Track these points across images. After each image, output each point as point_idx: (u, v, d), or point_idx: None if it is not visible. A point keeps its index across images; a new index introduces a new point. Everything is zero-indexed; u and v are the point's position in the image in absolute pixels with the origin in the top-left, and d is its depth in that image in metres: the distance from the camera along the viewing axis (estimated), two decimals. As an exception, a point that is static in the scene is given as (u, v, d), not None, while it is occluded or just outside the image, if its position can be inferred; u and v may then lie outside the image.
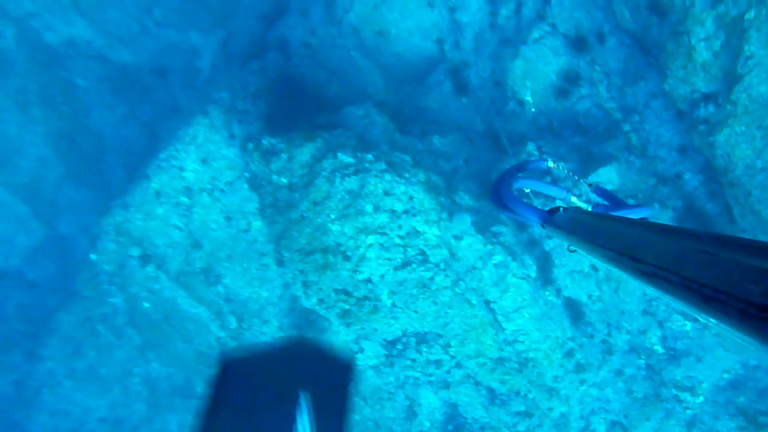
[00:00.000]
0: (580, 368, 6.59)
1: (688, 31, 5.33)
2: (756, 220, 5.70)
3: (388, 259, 6.17)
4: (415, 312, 6.36)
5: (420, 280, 6.27)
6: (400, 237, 6.18)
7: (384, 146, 6.58)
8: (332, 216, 6.08)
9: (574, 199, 3.01)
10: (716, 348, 6.46)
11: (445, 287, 6.29)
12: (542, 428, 6.70)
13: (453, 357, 6.54)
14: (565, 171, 3.33)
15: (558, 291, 6.55)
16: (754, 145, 5.33)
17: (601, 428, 6.98)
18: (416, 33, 7.51)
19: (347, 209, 6.06)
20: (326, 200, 6.07)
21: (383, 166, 6.12)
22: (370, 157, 6.15)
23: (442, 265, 6.27)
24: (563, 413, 6.71)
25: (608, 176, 6.35)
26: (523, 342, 6.45)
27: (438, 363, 6.59)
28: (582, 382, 6.64)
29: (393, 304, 6.34)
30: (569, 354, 6.54)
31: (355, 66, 7.95)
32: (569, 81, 6.69)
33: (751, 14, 4.88)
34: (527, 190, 3.05)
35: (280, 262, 6.97)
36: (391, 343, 6.62)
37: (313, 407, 1.48)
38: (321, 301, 6.45)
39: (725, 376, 6.65)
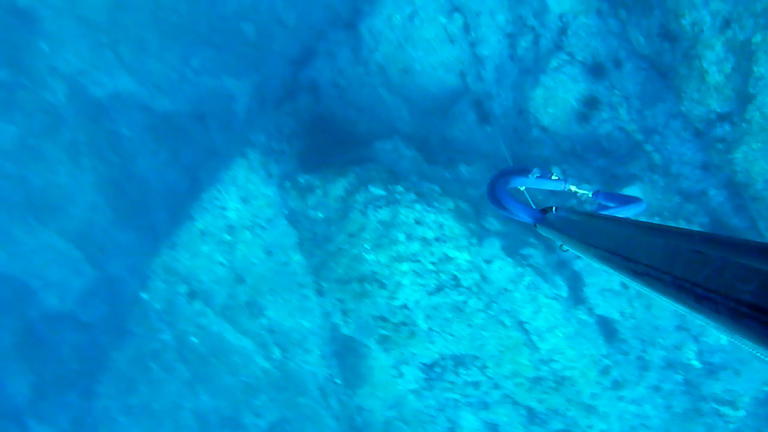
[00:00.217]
0: (617, 385, 6.77)
1: (699, 55, 5.63)
2: (782, 232, 5.88)
3: (422, 285, 6.52)
4: (451, 335, 6.67)
5: (454, 303, 6.59)
6: (433, 263, 6.53)
7: (413, 177, 6.98)
8: (367, 246, 6.49)
9: (573, 187, 2.91)
10: (753, 361, 6.57)
11: (479, 310, 6.59)
12: (583, 446, 6.86)
13: (490, 378, 6.80)
14: (573, 189, 3.03)
15: (590, 310, 6.77)
16: (771, 160, 5.55)
17: (643, 445, 7.09)
18: (439, 68, 7.96)
19: (381, 239, 6.46)
20: (361, 232, 6.48)
21: (413, 196, 6.51)
22: (400, 188, 6.55)
23: (474, 289, 6.58)
24: (603, 430, 6.86)
25: (630, 192, 6.60)
26: (558, 361, 6.67)
27: (476, 384, 6.85)
28: (620, 398, 6.80)
29: (429, 328, 6.66)
30: (605, 371, 6.73)
31: (383, 102, 8.42)
32: (589, 106, 7.02)
33: (758, 38, 5.16)
34: (522, 188, 2.93)
35: (320, 293, 7.37)
36: (429, 367, 6.92)
37: None
38: (360, 328, 6.81)
39: (765, 389, 6.73)
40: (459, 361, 6.83)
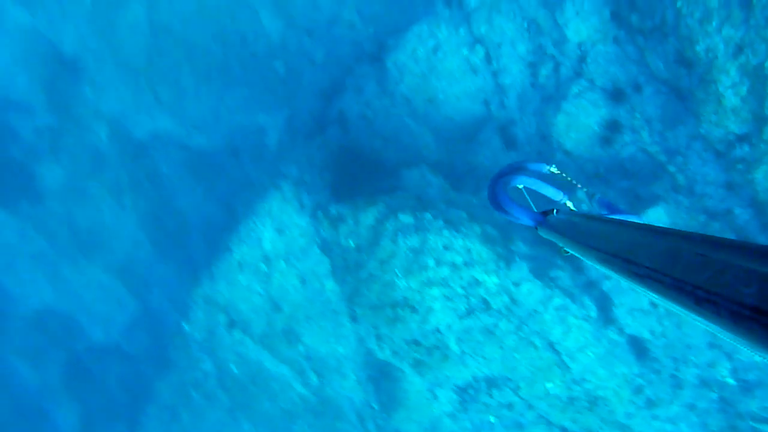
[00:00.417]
0: (651, 404, 6.88)
1: (715, 80, 5.87)
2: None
3: (453, 309, 6.79)
4: (483, 357, 6.90)
5: (485, 326, 6.84)
6: (463, 287, 6.80)
7: (441, 204, 7.30)
8: (398, 272, 6.80)
9: (569, 204, 2.93)
10: (788, 376, 6.63)
11: (510, 332, 6.82)
12: (620, 467, 6.96)
13: (524, 399, 6.99)
14: (568, 179, 3.06)
15: (620, 329, 6.93)
16: (793, 176, 5.73)
17: (682, 465, 7.15)
18: (463, 97, 8.32)
19: (411, 265, 6.77)
20: (391, 258, 6.81)
21: (441, 223, 6.83)
22: (428, 215, 6.88)
23: (504, 311, 6.82)
24: (639, 450, 6.96)
25: (657, 216, 6.80)
26: (590, 381, 6.83)
27: (510, 406, 7.05)
28: (655, 417, 6.91)
29: (462, 351, 6.91)
30: (638, 390, 6.86)
31: (409, 131, 8.81)
32: (611, 129, 7.27)
33: (769, 59, 5.39)
34: (521, 186, 2.90)
35: (354, 319, 7.70)
36: (463, 389, 7.15)
37: None
38: (394, 352, 7.10)
39: (803, 405, 6.76)
40: (492, 382, 7.04)
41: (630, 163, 7.27)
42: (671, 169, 7.01)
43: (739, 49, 5.61)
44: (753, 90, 5.66)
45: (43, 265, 11.45)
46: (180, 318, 9.59)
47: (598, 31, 6.97)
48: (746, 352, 6.80)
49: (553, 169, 3.03)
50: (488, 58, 7.92)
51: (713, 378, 7.00)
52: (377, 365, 7.83)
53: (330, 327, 8.24)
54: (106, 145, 11.27)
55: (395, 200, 7.16)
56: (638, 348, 7.02)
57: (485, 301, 6.81)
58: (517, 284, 6.87)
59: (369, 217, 7.08)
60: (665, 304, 1.30)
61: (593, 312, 6.81)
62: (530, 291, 6.83)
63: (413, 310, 6.83)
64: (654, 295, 1.34)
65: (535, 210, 2.49)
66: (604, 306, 6.97)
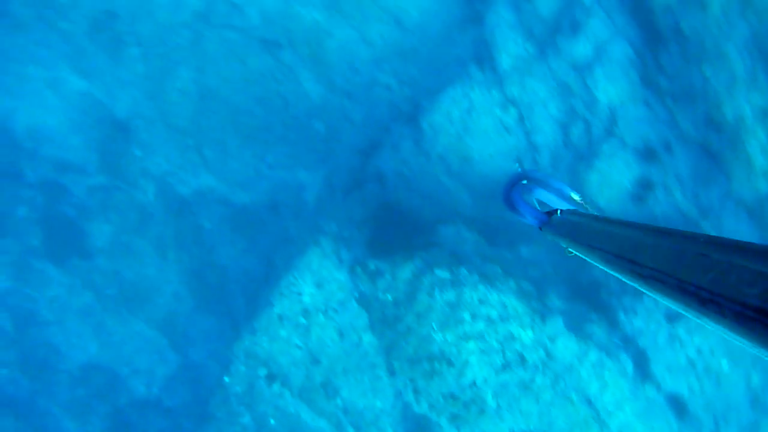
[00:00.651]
0: (692, 463, 6.93)
1: (743, 141, 6.20)
2: None
3: (489, 363, 7.05)
4: (520, 412, 7.09)
5: (521, 381, 7.06)
6: (498, 342, 7.07)
7: (476, 259, 7.66)
8: (435, 326, 7.13)
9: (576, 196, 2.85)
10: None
11: (546, 386, 7.02)
12: None
13: (561, 456, 7.11)
14: (588, 209, 2.95)
15: (657, 386, 7.07)
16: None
17: None
18: (497, 156, 8.77)
19: (447, 319, 7.10)
20: (428, 312, 7.15)
21: (476, 277, 7.17)
22: (464, 270, 7.24)
23: (540, 366, 7.04)
24: None
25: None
26: (629, 438, 6.94)
27: (547, 462, 7.17)
28: (697, 477, 6.95)
29: (498, 405, 7.12)
30: (679, 448, 6.93)
31: (445, 189, 9.25)
32: (644, 187, 7.59)
33: (794, 121, 5.72)
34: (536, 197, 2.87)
35: (392, 372, 7.98)
36: (500, 445, 7.31)
37: None
38: (431, 406, 7.34)
39: None
40: (529, 438, 7.20)
41: (663, 221, 7.54)
42: (705, 225, 7.26)
43: (766, 114, 5.95)
44: (780, 150, 5.97)
45: (89, 319, 12.05)
46: (220, 371, 9.98)
47: (628, 94, 7.39)
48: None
49: (575, 196, 3.05)
50: (521, 118, 8.39)
51: (756, 437, 7.04)
52: (414, 419, 8.05)
53: (367, 380, 8.53)
54: (153, 202, 11.98)
55: (431, 255, 7.54)
56: (677, 405, 7.12)
57: (521, 356, 7.05)
58: (552, 339, 7.11)
59: (406, 271, 7.47)
60: (669, 305, 1.34)
61: (629, 368, 6.98)
62: (566, 346, 7.06)
63: (450, 363, 7.10)
64: (658, 295, 1.38)
65: (539, 209, 2.58)
66: (641, 362, 7.13)
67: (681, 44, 6.48)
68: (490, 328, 7.03)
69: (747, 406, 7.01)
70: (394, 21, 9.81)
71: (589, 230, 1.97)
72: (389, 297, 7.60)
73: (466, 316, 7.05)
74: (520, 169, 7.97)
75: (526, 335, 7.04)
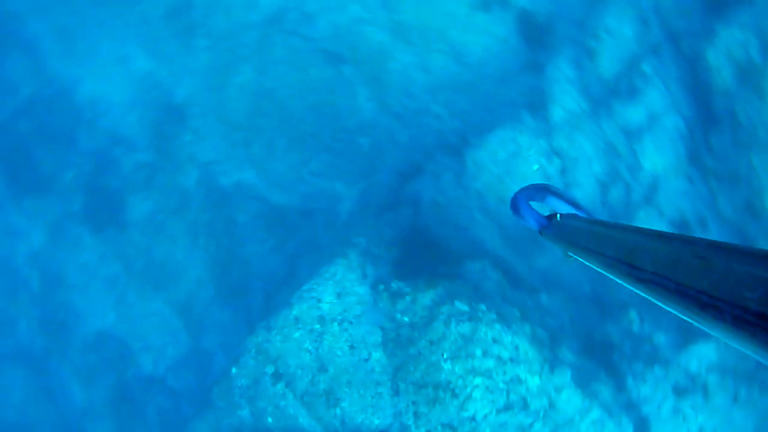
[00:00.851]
0: None
1: (778, 231, 6.38)
2: None
3: (492, 401, 7.24)
4: (514, 455, 7.25)
5: (520, 425, 7.23)
6: (505, 382, 7.27)
7: (497, 298, 7.88)
8: (445, 355, 7.35)
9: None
10: None
11: (544, 435, 7.18)
12: None
13: (547, 506, 7.24)
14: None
15: (655, 454, 7.18)
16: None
17: None
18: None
19: (459, 351, 7.32)
20: (441, 341, 7.39)
21: (494, 316, 7.39)
22: (483, 307, 7.47)
23: (541, 414, 7.21)
24: None
25: (707, 351, 7.16)
26: (617, 501, 7.05)
27: None
28: None
29: (493, 444, 7.29)
30: None
31: (477, 225, 9.51)
32: (672, 256, 7.75)
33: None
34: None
35: (396, 392, 8.21)
36: (489, 484, 7.47)
37: None
38: (428, 433, 7.54)
39: None
40: (518, 483, 7.35)
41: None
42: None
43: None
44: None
45: (113, 289, 12.51)
46: (228, 362, 10.31)
47: (673, 166, 7.60)
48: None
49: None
50: (563, 170, 8.64)
51: None
52: (409, 443, 8.24)
53: (369, 396, 8.76)
54: (193, 188, 12.46)
55: (454, 287, 7.80)
56: (671, 477, 7.21)
57: (524, 400, 7.23)
58: (558, 390, 7.28)
59: (427, 298, 7.73)
60: (669, 309, 1.34)
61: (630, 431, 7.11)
62: (570, 399, 7.22)
63: (454, 394, 7.31)
64: (657, 300, 1.39)
65: (540, 213, 2.58)
66: (641, 429, 7.25)
67: (733, 128, 6.69)
68: (499, 368, 7.23)
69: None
70: (455, 54, 10.18)
71: (588, 234, 1.98)
72: (406, 319, 7.85)
73: (478, 351, 7.26)
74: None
75: (533, 381, 7.22)
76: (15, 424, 13.09)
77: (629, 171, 7.98)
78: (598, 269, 1.77)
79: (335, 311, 9.10)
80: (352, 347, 8.95)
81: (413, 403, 7.55)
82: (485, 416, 7.24)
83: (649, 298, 1.44)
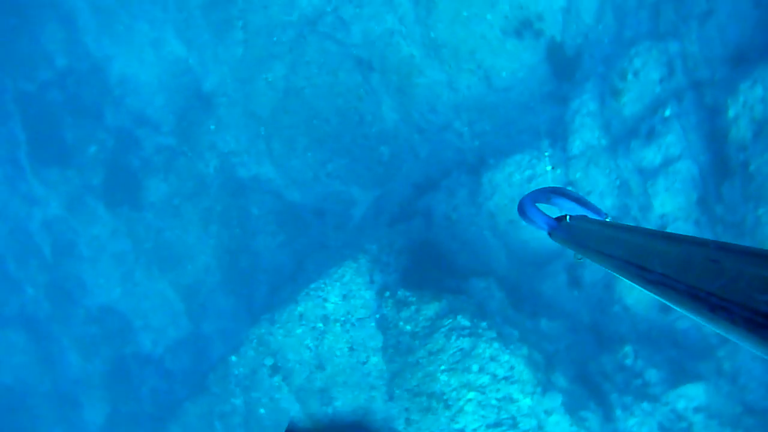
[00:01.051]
0: None
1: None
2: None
3: (483, 416, 7.55)
4: (498, 471, 7.55)
5: (507, 442, 7.53)
6: (497, 399, 7.57)
7: (498, 318, 8.20)
8: (443, 367, 7.67)
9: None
10: None
11: (529, 455, 7.48)
12: None
13: None
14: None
15: (634, 486, 7.47)
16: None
17: None
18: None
19: (456, 364, 7.63)
20: (440, 352, 7.70)
21: (494, 334, 7.70)
22: (484, 324, 7.78)
23: (529, 434, 7.51)
24: None
25: (696, 393, 7.45)
26: None
27: None
28: None
29: (479, 458, 7.59)
30: None
31: (486, 244, 9.83)
32: (673, 296, 8.05)
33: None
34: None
35: (390, 397, 8.52)
36: (470, 496, 7.77)
37: None
38: (417, 440, 7.85)
39: None
40: (499, 498, 7.64)
41: (682, 336, 8.00)
42: (720, 353, 7.69)
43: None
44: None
45: (121, 265, 12.88)
46: (226, 349, 10.63)
47: (683, 210, 7.91)
48: None
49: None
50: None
51: None
52: (398, 448, 8.55)
53: (362, 399, 9.07)
54: (212, 175, 12.82)
55: (458, 302, 8.11)
56: None
57: (514, 419, 7.53)
58: (548, 413, 7.58)
59: (431, 309, 8.05)
60: (680, 311, 1.36)
61: (613, 461, 7.40)
62: (558, 423, 7.52)
63: (447, 406, 7.62)
64: (668, 301, 1.40)
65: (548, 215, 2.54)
66: (625, 459, 7.54)
67: (745, 181, 7.00)
68: (493, 385, 7.53)
69: None
70: (484, 76, 10.52)
71: (598, 236, 1.98)
72: (408, 328, 8.17)
73: (475, 366, 7.57)
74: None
75: (525, 402, 7.52)
76: (9, 387, 13.45)
77: (639, 209, 8.29)
78: (609, 270, 1.80)
79: (339, 312, 9.43)
80: (351, 349, 9.27)
81: (406, 409, 7.86)
82: (475, 430, 7.54)
83: (661, 299, 1.45)
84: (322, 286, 9.50)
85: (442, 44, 10.54)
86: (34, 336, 13.10)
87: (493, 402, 7.56)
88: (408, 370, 7.97)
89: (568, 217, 2.37)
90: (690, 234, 8.14)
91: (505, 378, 7.58)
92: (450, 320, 7.86)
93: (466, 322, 7.81)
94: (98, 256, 12.92)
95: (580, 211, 2.55)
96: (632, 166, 8.18)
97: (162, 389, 12.19)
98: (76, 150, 12.95)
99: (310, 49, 11.69)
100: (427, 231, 10.39)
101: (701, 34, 7.77)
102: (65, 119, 13.00)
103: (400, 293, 8.44)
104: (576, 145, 8.84)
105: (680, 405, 7.57)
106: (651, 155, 7.92)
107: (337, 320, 9.43)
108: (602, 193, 8.64)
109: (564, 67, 9.80)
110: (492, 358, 7.61)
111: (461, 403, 7.58)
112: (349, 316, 9.36)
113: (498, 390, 7.56)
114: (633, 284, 1.66)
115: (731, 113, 7.09)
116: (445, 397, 7.65)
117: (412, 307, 8.19)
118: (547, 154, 9.06)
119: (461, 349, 7.65)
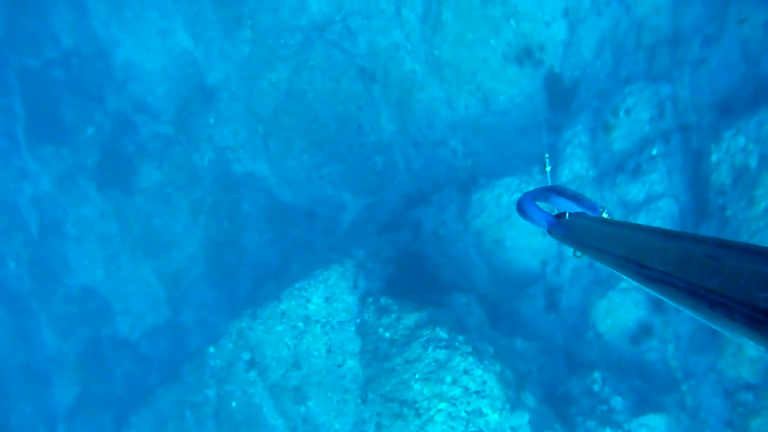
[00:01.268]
0: None
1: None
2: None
3: (452, 427, 7.84)
4: (461, 481, 7.84)
5: (473, 454, 7.82)
6: (467, 412, 7.87)
7: (475, 333, 8.51)
8: (417, 376, 7.96)
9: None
10: None
11: (492, 468, 7.78)
12: None
13: None
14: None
15: (591, 507, 7.79)
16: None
17: None
18: (527, 250, 9.69)
19: (431, 374, 7.93)
20: (416, 361, 7.99)
21: (470, 349, 8.01)
22: (461, 338, 8.09)
23: (494, 448, 7.81)
24: None
25: (657, 423, 7.80)
26: None
27: None
28: None
29: (444, 467, 7.88)
30: None
31: (470, 261, 10.16)
32: (644, 331, 8.43)
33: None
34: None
35: (363, 401, 8.79)
36: (432, 504, 8.04)
37: None
38: (385, 445, 8.12)
39: None
40: (460, 508, 7.92)
41: (649, 368, 8.36)
42: (684, 388, 8.06)
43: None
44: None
45: (106, 248, 13.04)
46: (203, 340, 10.84)
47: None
48: None
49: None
50: (560, 228, 9.31)
51: None
52: (366, 451, 8.81)
53: (335, 401, 9.33)
54: (206, 168, 13.05)
55: (438, 314, 8.42)
56: None
57: (481, 432, 7.83)
58: (514, 430, 7.89)
59: (411, 319, 8.34)
60: (679, 308, 1.36)
61: (572, 481, 7.72)
62: (523, 440, 7.83)
63: (417, 414, 7.91)
64: (667, 299, 1.41)
65: (546, 212, 2.59)
66: (584, 480, 7.86)
67: (721, 224, 7.39)
68: (464, 398, 7.83)
69: None
70: (482, 98, 10.88)
71: (597, 233, 1.98)
72: (387, 334, 8.46)
73: (448, 378, 7.87)
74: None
75: (493, 417, 7.83)
76: (-19, 359, 13.53)
77: (620, 242, 8.66)
78: (608, 267, 1.81)
79: (321, 313, 9.70)
80: (329, 351, 9.53)
81: (378, 414, 8.13)
82: (442, 440, 7.83)
83: (660, 296, 1.45)
84: (306, 286, 9.76)
85: (444, 63, 10.90)
86: (12, 310, 13.20)
87: (463, 414, 7.86)
88: (383, 376, 8.25)
89: (567, 214, 2.41)
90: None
91: (477, 392, 7.88)
92: (429, 331, 8.16)
93: (444, 335, 8.11)
94: (84, 236, 13.07)
95: (578, 208, 2.59)
96: (617, 199, 8.56)
97: (135, 374, 12.35)
98: (73, 130, 13.13)
99: (315, 55, 12.00)
100: (415, 243, 10.71)
101: (693, 80, 8.20)
102: (65, 98, 13.18)
103: (383, 300, 8.73)
104: (565, 174, 9.21)
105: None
106: (635, 191, 8.30)
107: (318, 321, 9.69)
108: (586, 222, 8.99)
109: (560, 97, 10.20)
110: (466, 372, 7.91)
111: (432, 412, 7.87)
112: (330, 318, 9.63)
113: (469, 403, 7.85)
114: (629, 283, 1.73)
115: (714, 158, 7.50)
116: (416, 406, 7.94)
117: (393, 315, 8.48)
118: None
119: (437, 360, 7.95)
